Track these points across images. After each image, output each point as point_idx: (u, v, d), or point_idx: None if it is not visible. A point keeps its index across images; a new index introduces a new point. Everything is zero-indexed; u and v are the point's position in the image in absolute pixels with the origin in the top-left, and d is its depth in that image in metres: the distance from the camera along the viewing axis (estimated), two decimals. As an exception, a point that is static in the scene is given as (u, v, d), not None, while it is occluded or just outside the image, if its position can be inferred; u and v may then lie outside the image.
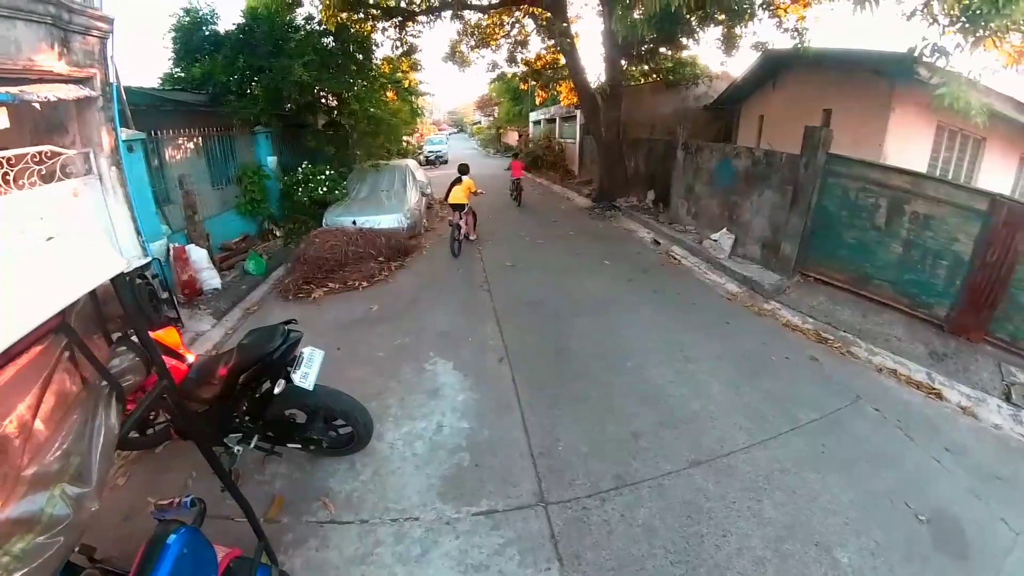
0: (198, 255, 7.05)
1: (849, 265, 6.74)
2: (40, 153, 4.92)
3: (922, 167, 8.17)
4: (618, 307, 6.50)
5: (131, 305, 1.80)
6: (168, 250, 6.64)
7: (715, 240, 8.59)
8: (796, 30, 9.75)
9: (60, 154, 5.13)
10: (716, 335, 5.71)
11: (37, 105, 4.76)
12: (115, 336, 2.02)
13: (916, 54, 5.99)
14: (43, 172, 4.94)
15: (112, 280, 1.67)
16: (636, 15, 7.96)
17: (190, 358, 3.41)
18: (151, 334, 3.45)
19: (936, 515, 3.24)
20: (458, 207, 9.30)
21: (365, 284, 7.56)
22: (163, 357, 3.26)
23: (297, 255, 7.94)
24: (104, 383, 1.69)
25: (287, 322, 3.46)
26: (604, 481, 3.49)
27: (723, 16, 9.26)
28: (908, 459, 3.77)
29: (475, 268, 8.36)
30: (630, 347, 5.38)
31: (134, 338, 1.93)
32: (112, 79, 5.72)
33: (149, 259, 5.77)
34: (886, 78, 8.20)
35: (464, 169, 9.61)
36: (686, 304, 6.68)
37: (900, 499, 3.35)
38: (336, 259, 7.80)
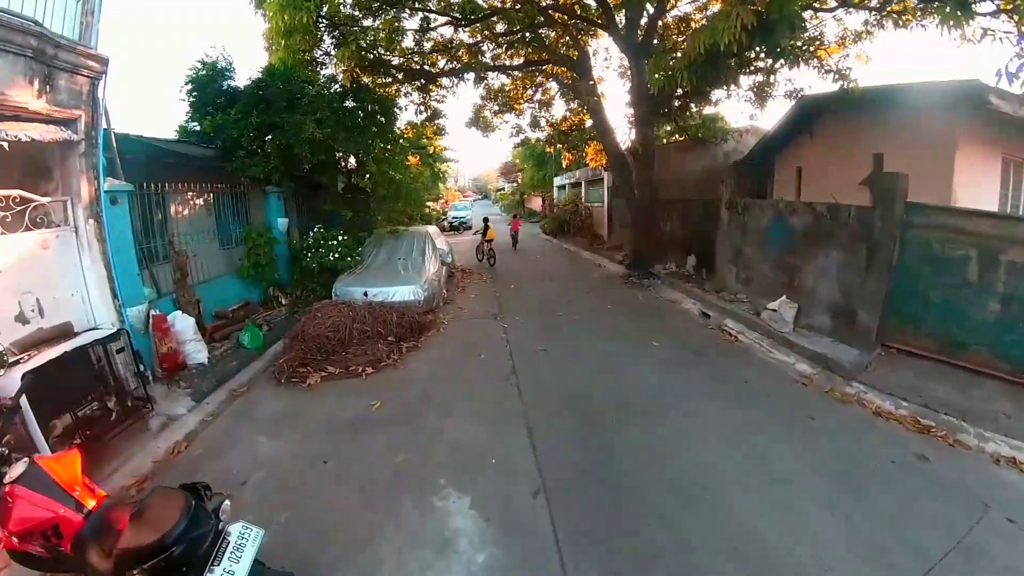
0: (183, 324, 6.28)
1: (938, 331, 5.89)
2: (7, 197, 4.36)
3: (993, 205, 7.59)
4: (678, 406, 5.34)
5: None
6: (148, 317, 5.89)
7: (774, 310, 7.56)
8: (839, 71, 9.19)
9: (30, 200, 4.56)
10: (801, 438, 4.64)
11: (4, 144, 4.20)
12: None
13: (1004, 74, 5.33)
14: (9, 219, 4.35)
15: None
16: (672, 61, 7.47)
17: (91, 503, 2.47)
18: (45, 459, 2.62)
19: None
20: (489, 240, 15.43)
21: (370, 371, 6.54)
22: (52, 501, 2.29)
23: (295, 331, 7.10)
24: None
25: (198, 488, 2.47)
26: None
27: (769, 60, 8.75)
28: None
29: (500, 352, 7.27)
30: (702, 467, 4.21)
31: None
32: (102, 124, 5.22)
33: (116, 329, 5.00)
34: (948, 112, 7.57)
35: (486, 220, 15.90)
36: (757, 396, 5.57)
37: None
38: (339, 338, 6.90)
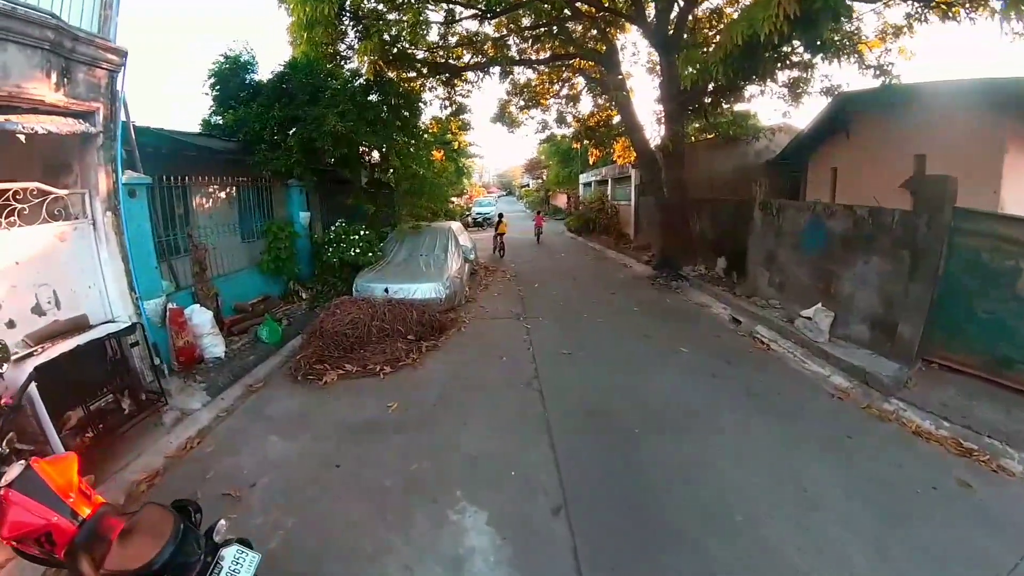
0: (201, 318, 6.28)
1: (983, 346, 5.56)
2: (25, 190, 4.36)
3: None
4: (707, 418, 5.09)
5: None
6: (165, 311, 5.90)
7: (809, 318, 7.25)
8: (880, 67, 8.76)
9: (48, 193, 4.57)
10: (838, 458, 4.37)
11: (22, 137, 4.22)
12: None
13: None
14: (26, 211, 4.37)
15: None
16: (705, 54, 7.21)
17: (86, 511, 2.37)
18: (41, 463, 2.46)
19: None
20: (501, 234, 16.87)
21: (387, 370, 6.40)
22: (45, 508, 2.19)
23: (313, 327, 7.04)
24: None
25: (188, 509, 2.38)
26: None
27: (807, 54, 8.39)
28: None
29: (522, 355, 7.04)
30: (732, 487, 3.95)
31: None
32: (120, 116, 5.22)
33: (131, 323, 5.00)
34: (997, 112, 7.26)
35: (500, 215, 18.25)
36: (791, 410, 5.29)
37: None
38: (357, 336, 6.82)
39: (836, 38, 6.97)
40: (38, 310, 4.49)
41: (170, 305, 5.91)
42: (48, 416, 3.95)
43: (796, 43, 7.25)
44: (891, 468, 4.20)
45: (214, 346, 6.40)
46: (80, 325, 4.77)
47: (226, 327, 7.17)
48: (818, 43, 6.04)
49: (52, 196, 4.61)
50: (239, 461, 4.45)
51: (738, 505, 3.72)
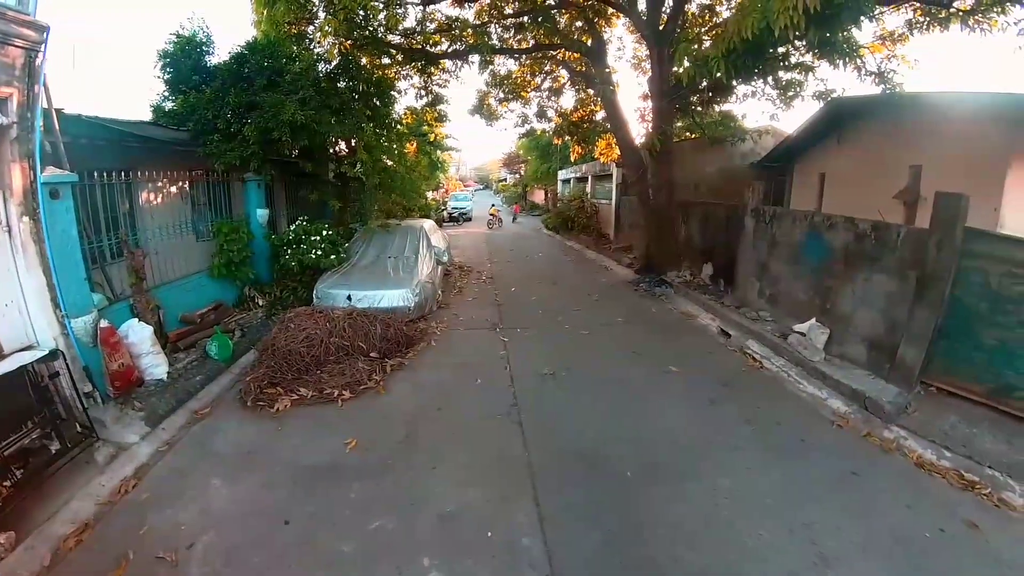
0: (139, 335, 5.68)
1: (987, 373, 5.41)
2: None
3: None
4: (709, 457, 4.70)
5: None
6: (97, 329, 5.30)
7: (802, 334, 7.03)
8: (880, 73, 8.57)
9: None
10: (847, 502, 4.06)
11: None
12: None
13: None
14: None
15: None
16: (705, 48, 6.88)
17: None
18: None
19: None
20: (493, 215, 25.81)
21: (347, 395, 5.87)
22: None
23: (266, 344, 6.50)
24: None
25: None
26: None
27: (810, 54, 8.15)
28: None
29: (499, 376, 6.58)
30: (744, 549, 3.55)
31: None
32: (40, 104, 4.59)
33: (49, 350, 4.42)
34: (1003, 128, 7.16)
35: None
36: (792, 443, 4.99)
37: None
38: (313, 355, 6.29)
39: (841, 39, 6.68)
40: (-59, 336, 3.92)
41: (102, 323, 5.30)
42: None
43: (799, 43, 6.93)
44: (900, 510, 3.96)
45: (155, 366, 5.82)
46: (-9, 352, 4.20)
47: (170, 342, 6.58)
48: (828, 45, 5.75)
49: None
50: (177, 513, 3.93)
51: (750, 571, 3.37)
